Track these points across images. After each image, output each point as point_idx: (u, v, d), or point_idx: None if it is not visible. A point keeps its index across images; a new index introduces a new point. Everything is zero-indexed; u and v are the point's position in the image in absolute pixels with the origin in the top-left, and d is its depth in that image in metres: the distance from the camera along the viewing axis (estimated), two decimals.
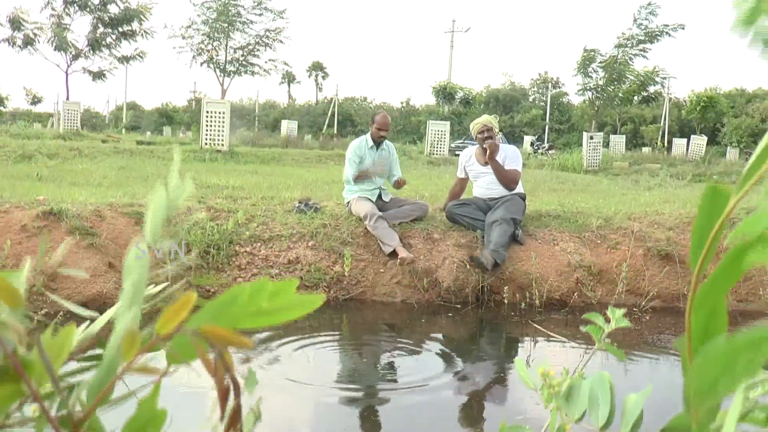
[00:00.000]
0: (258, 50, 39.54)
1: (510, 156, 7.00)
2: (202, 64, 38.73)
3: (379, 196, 7.00)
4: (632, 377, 4.85)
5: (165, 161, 14.65)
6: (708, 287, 0.49)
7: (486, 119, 7.01)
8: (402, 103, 71.34)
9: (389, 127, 7.03)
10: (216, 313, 0.51)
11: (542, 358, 5.09)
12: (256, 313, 0.52)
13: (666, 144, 37.58)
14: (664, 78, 34.93)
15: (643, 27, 31.28)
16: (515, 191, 6.94)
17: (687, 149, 31.17)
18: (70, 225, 5.94)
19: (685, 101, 52.65)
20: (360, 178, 6.82)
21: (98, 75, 33.88)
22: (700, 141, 29.73)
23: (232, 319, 0.51)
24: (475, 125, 7.03)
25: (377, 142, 6.96)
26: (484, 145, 6.88)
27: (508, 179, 6.85)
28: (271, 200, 7.55)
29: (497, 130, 7.05)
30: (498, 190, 6.90)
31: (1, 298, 0.51)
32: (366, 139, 6.99)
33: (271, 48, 39.87)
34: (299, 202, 7.17)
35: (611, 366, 5.05)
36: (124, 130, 43.14)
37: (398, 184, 6.97)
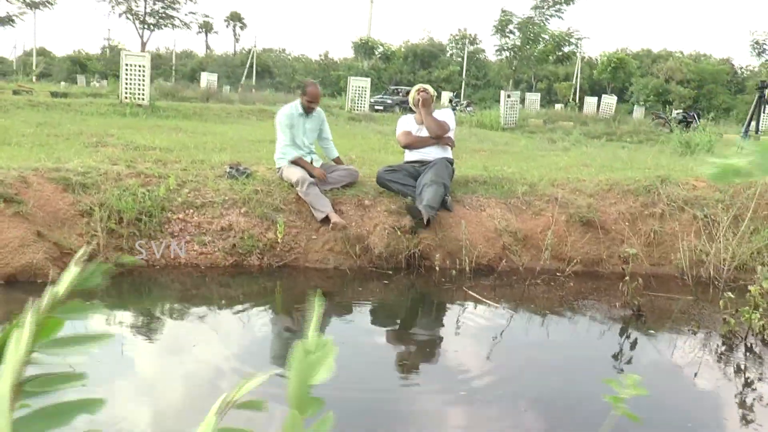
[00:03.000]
0: (178, 2, 38.16)
1: (450, 119, 7.18)
2: (120, 15, 37.13)
3: (310, 163, 6.94)
4: (553, 338, 5.03)
5: (83, 116, 14.07)
6: None
7: (421, 85, 7.16)
8: (320, 56, 70.44)
9: (319, 98, 6.97)
10: None
11: (477, 325, 5.21)
12: None
13: (578, 102, 38.44)
14: (578, 39, 35.56)
15: None
16: (444, 155, 7.00)
17: (598, 108, 32.00)
18: None
19: (596, 60, 53.83)
20: (297, 164, 6.77)
21: (6, 20, 32.11)
22: (610, 100, 30.54)
23: None
24: (412, 96, 7.12)
25: (307, 111, 6.90)
26: (418, 96, 6.97)
27: (439, 126, 6.98)
28: (202, 164, 7.38)
29: (433, 94, 7.11)
30: (431, 155, 6.95)
31: None
32: (296, 107, 6.90)
33: (191, 0, 38.57)
34: (230, 167, 7.04)
35: (532, 330, 5.22)
36: (35, 78, 41.14)
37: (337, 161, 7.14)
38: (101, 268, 0.64)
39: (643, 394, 0.99)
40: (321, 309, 0.58)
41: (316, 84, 7.10)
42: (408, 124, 7.21)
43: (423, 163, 6.92)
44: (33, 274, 5.35)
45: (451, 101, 31.74)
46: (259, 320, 5.19)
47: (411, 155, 7.10)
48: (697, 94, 52.22)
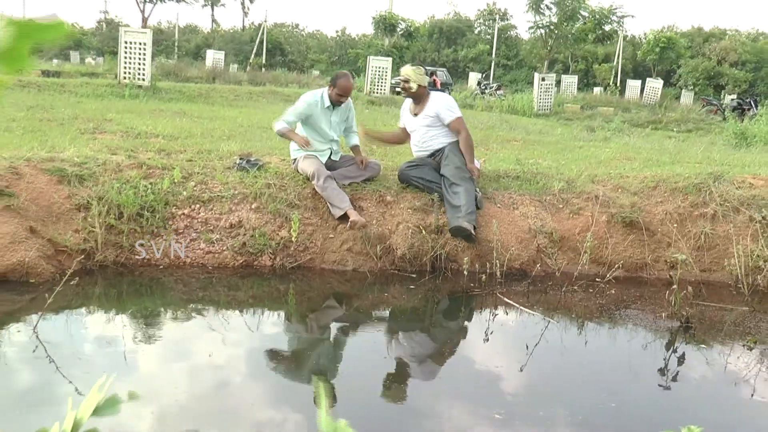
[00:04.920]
0: None
1: (442, 109, 6.88)
2: None
3: (329, 155, 6.94)
4: (593, 351, 5.03)
5: (78, 98, 14.19)
6: None
7: (408, 71, 6.87)
8: (337, 32, 70.42)
9: (351, 92, 6.88)
10: None
11: (512, 336, 5.22)
12: None
13: (619, 85, 38.18)
14: (622, 17, 35.29)
15: None
16: (448, 141, 6.88)
17: (641, 92, 31.76)
18: None
19: (640, 39, 53.35)
20: (285, 136, 6.73)
21: None
22: (655, 84, 30.31)
23: None
24: (400, 73, 7.00)
25: (333, 103, 6.81)
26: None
27: (470, 152, 6.85)
28: (209, 155, 7.42)
29: (421, 83, 6.91)
30: (426, 145, 6.89)
31: None
32: (322, 97, 6.80)
33: None
34: (240, 158, 7.08)
35: (569, 340, 5.22)
36: None
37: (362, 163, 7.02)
38: (116, 400, 0.69)
39: None
40: (328, 395, 0.61)
41: (349, 76, 6.94)
42: (404, 112, 7.22)
43: (435, 153, 6.88)
44: (25, 273, 5.40)
45: (479, 83, 31.62)
46: (271, 328, 5.23)
47: (417, 151, 7.02)
48: (754, 78, 51.48)
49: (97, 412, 0.69)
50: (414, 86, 6.83)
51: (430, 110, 6.86)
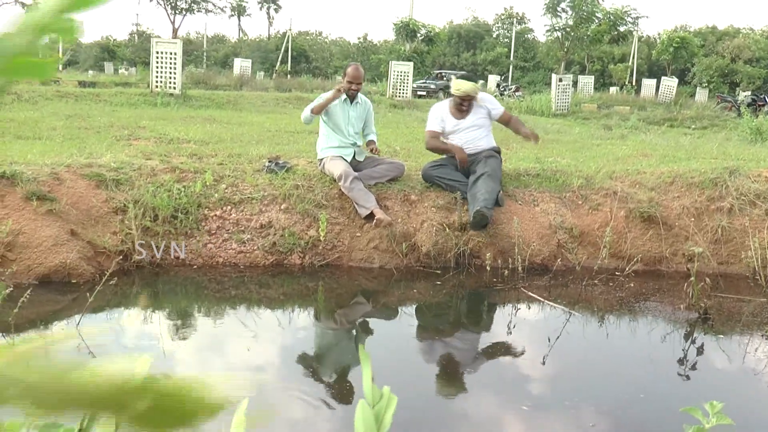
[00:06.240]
0: None
1: (491, 105, 7.19)
2: (151, 0, 37.53)
3: (353, 156, 6.97)
4: (615, 343, 5.01)
5: (113, 106, 14.37)
6: None
7: (472, 89, 6.96)
8: (359, 38, 70.55)
9: (362, 79, 6.94)
10: None
11: (536, 328, 5.22)
12: None
13: (635, 84, 37.90)
14: (636, 18, 35.03)
15: None
16: (491, 146, 6.97)
17: (657, 90, 31.50)
18: (26, 190, 5.81)
19: (655, 39, 52.93)
20: (318, 107, 6.73)
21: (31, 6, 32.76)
22: (670, 83, 30.02)
23: None
24: (458, 88, 6.94)
25: (351, 96, 6.88)
26: (459, 99, 6.95)
27: (522, 125, 7.30)
28: (239, 158, 7.47)
29: (478, 92, 7.01)
30: (472, 148, 6.92)
31: None
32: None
33: None
34: (269, 161, 7.12)
35: (592, 332, 5.21)
36: (61, 66, 41.92)
37: (372, 151, 6.99)
38: None
39: (727, 423, 1.00)
40: (369, 363, 0.62)
41: (358, 65, 7.02)
42: (441, 116, 7.11)
43: (478, 153, 6.87)
44: (67, 274, 5.48)
45: (498, 85, 31.57)
46: (303, 323, 5.26)
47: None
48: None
49: None
50: (477, 98, 7.02)
51: (480, 109, 7.04)
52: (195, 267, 6.09)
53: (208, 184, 6.54)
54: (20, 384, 0.39)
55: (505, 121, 7.22)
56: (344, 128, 6.88)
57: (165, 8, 37.63)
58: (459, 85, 6.97)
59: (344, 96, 6.81)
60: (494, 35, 70.17)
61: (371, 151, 6.99)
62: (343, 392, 3.94)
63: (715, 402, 0.99)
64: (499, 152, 7.03)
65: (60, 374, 0.40)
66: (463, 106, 6.96)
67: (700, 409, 1.01)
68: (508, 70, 55.62)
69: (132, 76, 32.91)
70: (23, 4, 32.83)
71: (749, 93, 30.34)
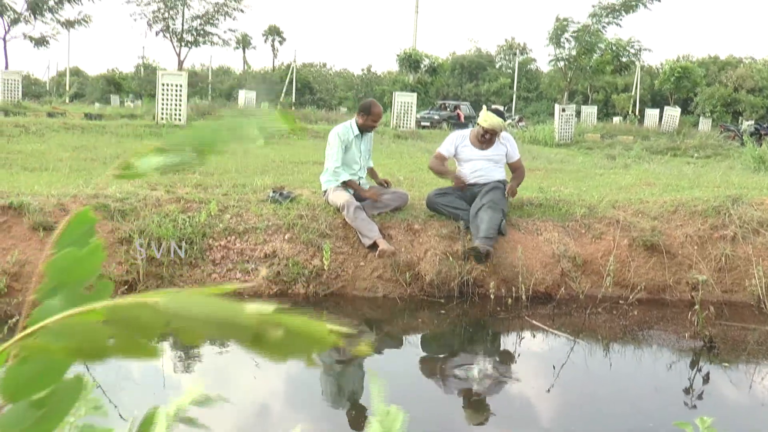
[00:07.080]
0: (217, 19, 38.86)
1: (513, 148, 7.27)
2: (157, 33, 37.91)
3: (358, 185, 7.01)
4: (620, 371, 4.99)
5: (119, 138, 14.50)
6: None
7: (498, 124, 6.99)
8: (363, 70, 70.98)
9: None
10: None
11: (540, 358, 5.21)
12: None
13: (638, 114, 38.05)
14: (638, 50, 35.23)
15: None
16: (499, 178, 7.02)
17: (660, 120, 31.62)
18: (32, 221, 5.86)
19: (657, 69, 53.21)
20: (350, 186, 6.85)
21: (40, 41, 33.15)
22: (673, 112, 30.16)
23: None
24: (486, 120, 6.98)
25: (362, 131, 6.92)
26: (485, 133, 6.98)
27: (516, 182, 7.28)
28: (243, 188, 7.52)
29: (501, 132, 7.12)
30: (482, 178, 6.96)
31: None
32: (351, 127, 6.90)
33: (230, 17, 39.22)
34: (273, 191, 7.16)
35: (596, 361, 5.20)
36: (68, 98, 42.27)
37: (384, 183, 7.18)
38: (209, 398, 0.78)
39: None
40: (382, 387, 0.66)
41: (377, 103, 7.07)
42: (457, 143, 7.18)
43: (475, 186, 6.92)
44: None
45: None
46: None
47: (473, 179, 7.07)
48: None
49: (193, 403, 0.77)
50: (500, 134, 7.11)
51: (500, 146, 7.15)
52: None
53: (212, 214, 6.58)
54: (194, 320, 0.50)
55: (514, 168, 7.33)
56: (356, 162, 6.93)
57: (171, 41, 37.83)
58: (488, 118, 6.99)
59: (356, 131, 6.85)
60: (497, 66, 70.62)
61: (385, 183, 7.09)
62: (342, 414, 3.93)
63: (705, 417, 1.01)
64: (504, 183, 7.05)
65: (221, 311, 0.49)
66: (486, 137, 7.01)
67: (692, 424, 1.03)
68: (512, 101, 55.88)
69: (138, 108, 33.14)
70: (32, 39, 33.23)
71: (752, 122, 30.41)
